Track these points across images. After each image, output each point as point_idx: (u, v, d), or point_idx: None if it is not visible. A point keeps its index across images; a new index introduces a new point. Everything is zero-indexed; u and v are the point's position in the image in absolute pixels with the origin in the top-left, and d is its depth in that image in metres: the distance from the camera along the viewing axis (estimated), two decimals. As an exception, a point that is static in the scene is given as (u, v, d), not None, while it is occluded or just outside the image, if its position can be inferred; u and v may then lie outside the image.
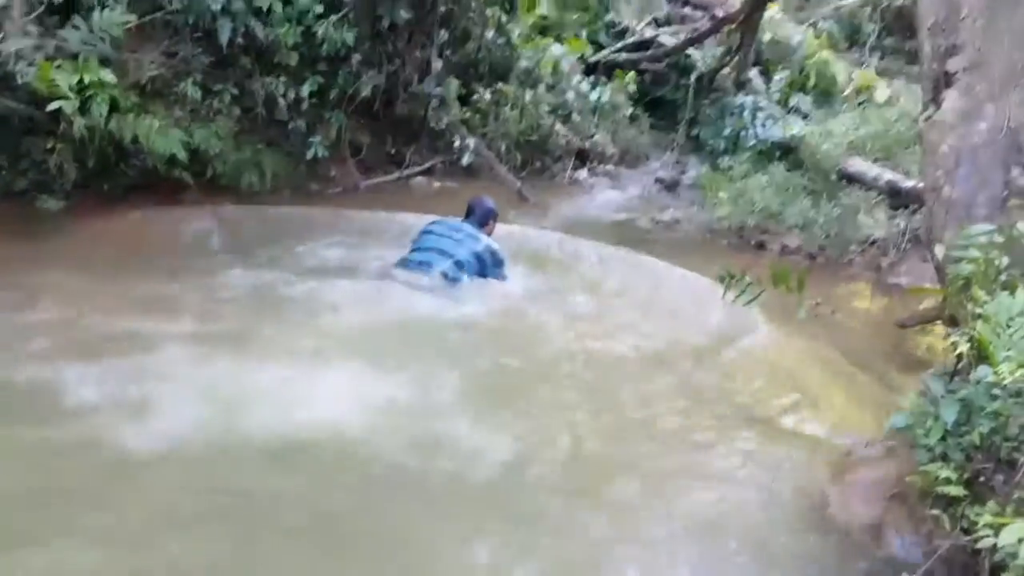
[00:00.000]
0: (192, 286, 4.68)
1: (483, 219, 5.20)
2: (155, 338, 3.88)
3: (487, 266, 4.97)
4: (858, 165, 6.90)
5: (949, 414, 2.75)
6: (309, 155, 6.75)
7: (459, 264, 4.86)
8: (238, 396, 3.46)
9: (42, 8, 5.23)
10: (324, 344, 4.07)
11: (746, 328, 4.50)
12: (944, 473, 2.67)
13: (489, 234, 5.15)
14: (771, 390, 4.00)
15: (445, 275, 4.81)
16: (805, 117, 8.30)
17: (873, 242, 6.25)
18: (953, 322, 3.41)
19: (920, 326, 4.72)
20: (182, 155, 5.77)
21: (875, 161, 7.01)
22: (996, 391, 2.71)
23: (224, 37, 6.04)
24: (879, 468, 3.26)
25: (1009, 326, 2.85)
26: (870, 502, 3.13)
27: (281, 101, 6.52)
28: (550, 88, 8.49)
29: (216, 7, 5.85)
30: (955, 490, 2.62)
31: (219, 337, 4.05)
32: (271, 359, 3.83)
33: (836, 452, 3.38)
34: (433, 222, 5.22)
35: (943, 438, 2.77)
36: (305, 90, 6.54)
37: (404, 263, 4.97)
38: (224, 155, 6.28)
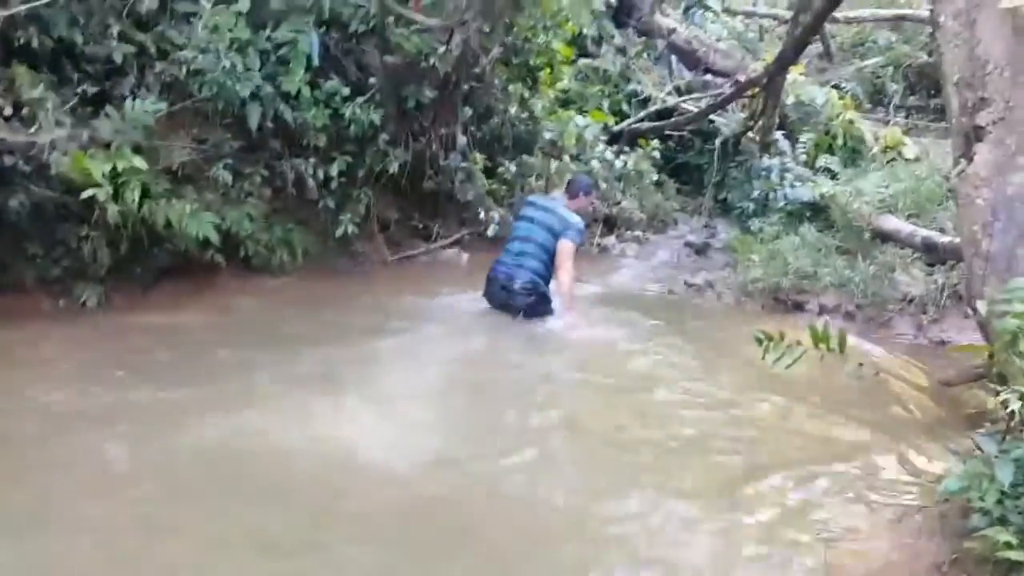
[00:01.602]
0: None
1: (574, 192, 5.94)
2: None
3: (564, 231, 5.59)
4: (891, 222, 6.81)
5: (1005, 475, 2.62)
6: (338, 233, 6.82)
7: (534, 269, 5.57)
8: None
9: (76, 99, 5.39)
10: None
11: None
12: (1004, 537, 2.53)
13: (578, 208, 5.85)
14: (818, 449, 3.90)
15: (526, 289, 5.54)
16: (833, 177, 8.24)
17: (911, 300, 6.11)
18: (1002, 379, 3.29)
19: (966, 384, 4.57)
20: (214, 237, 5.84)
21: (908, 218, 6.91)
22: (1054, 450, 2.58)
23: (254, 122, 6.17)
24: (933, 534, 3.12)
25: (1062, 382, 2.73)
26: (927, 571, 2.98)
27: (310, 181, 6.62)
28: (574, 158, 8.55)
29: (245, 93, 5.98)
30: (1016, 555, 2.48)
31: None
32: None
33: (889, 515, 3.23)
34: (528, 203, 6.01)
35: (1000, 500, 2.64)
36: (334, 169, 6.64)
37: (496, 269, 5.71)
38: (255, 235, 6.36)
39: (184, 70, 5.86)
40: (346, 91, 6.54)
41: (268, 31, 6.19)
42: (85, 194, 5.16)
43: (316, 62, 6.20)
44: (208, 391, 4.35)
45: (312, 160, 6.59)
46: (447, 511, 3.29)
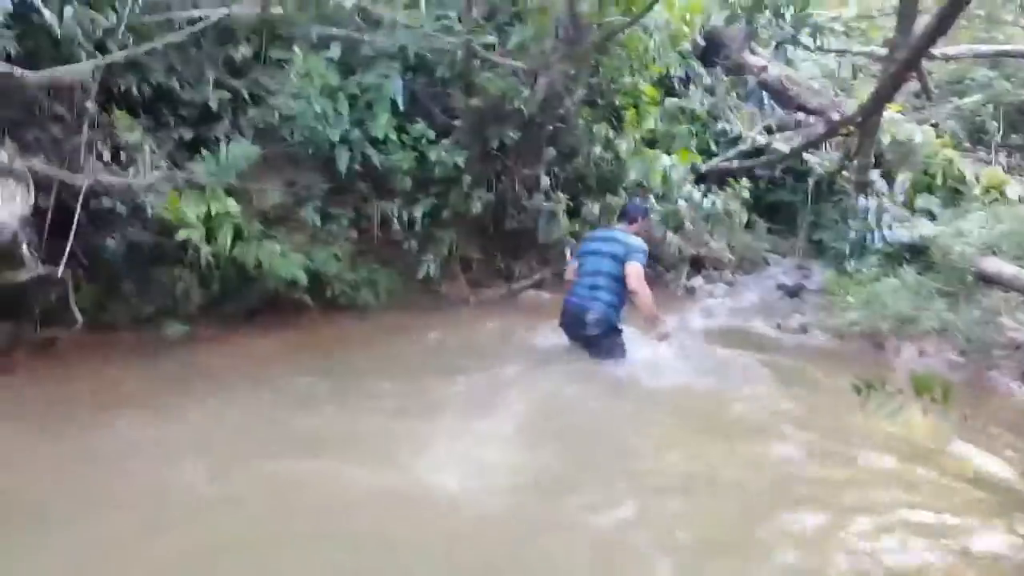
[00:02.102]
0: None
1: (631, 217, 5.95)
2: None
3: (627, 255, 5.57)
4: (995, 265, 6.45)
5: None
6: (421, 273, 6.86)
7: (608, 302, 5.56)
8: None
9: (172, 144, 5.59)
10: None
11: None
12: None
13: (637, 232, 5.82)
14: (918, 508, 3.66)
15: (599, 321, 5.53)
16: (933, 218, 7.90)
17: (1018, 346, 5.75)
18: None
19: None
20: (302, 278, 5.94)
21: (1013, 260, 6.53)
22: None
23: (342, 165, 6.30)
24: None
25: None
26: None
27: (395, 223, 6.69)
28: (660, 198, 8.43)
29: (335, 138, 6.11)
30: None
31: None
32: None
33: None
34: (589, 238, 6.07)
35: None
36: (419, 211, 6.72)
37: (570, 301, 5.71)
38: (341, 275, 6.45)
39: (276, 115, 6.04)
40: (432, 134, 6.63)
41: (357, 77, 6.32)
42: (179, 235, 5.32)
43: (401, 107, 6.31)
44: (295, 427, 4.40)
45: (398, 202, 6.69)
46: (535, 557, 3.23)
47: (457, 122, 6.81)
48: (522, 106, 6.72)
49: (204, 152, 5.66)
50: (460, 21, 6.34)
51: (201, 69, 5.91)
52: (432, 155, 6.59)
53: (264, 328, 6.14)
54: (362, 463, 3.97)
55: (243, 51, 6.11)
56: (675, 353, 5.95)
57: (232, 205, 5.58)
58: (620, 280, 5.57)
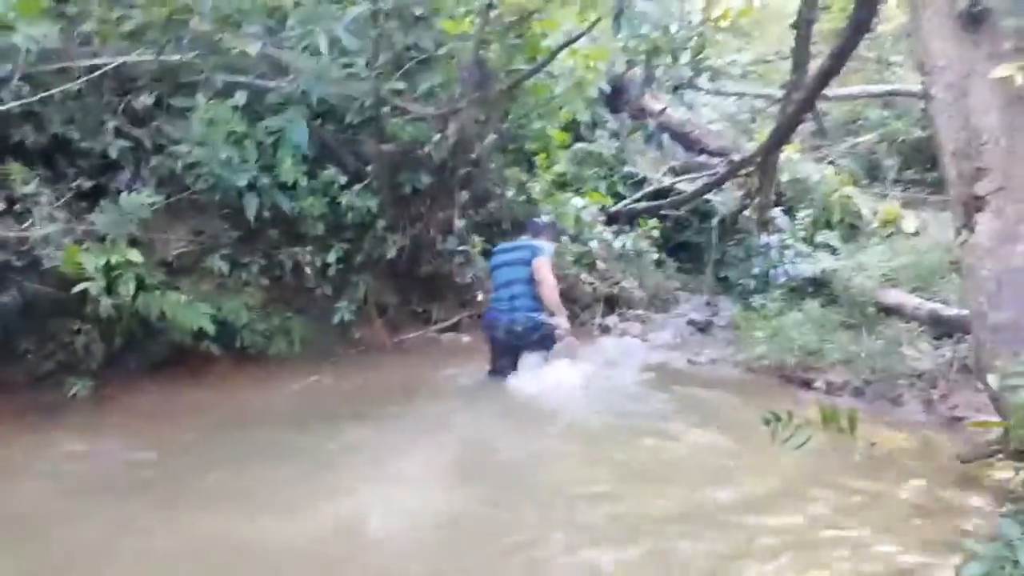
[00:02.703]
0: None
1: (534, 232, 6.41)
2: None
3: (534, 254, 6.04)
4: (896, 296, 6.74)
5: (1031, 560, 2.48)
6: (336, 319, 6.77)
7: (528, 307, 5.97)
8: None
9: (71, 194, 5.41)
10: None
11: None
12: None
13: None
14: (832, 532, 3.74)
15: (528, 328, 5.94)
16: (833, 252, 8.22)
17: (920, 374, 5.98)
18: (1020, 455, 3.17)
19: (983, 461, 4.41)
20: (209, 328, 5.79)
21: (912, 291, 6.84)
22: (1082, 532, 2.44)
23: (251, 212, 6.20)
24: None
25: (1085, 459, 2.61)
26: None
27: (308, 269, 6.60)
28: (573, 239, 8.56)
29: (242, 184, 6.01)
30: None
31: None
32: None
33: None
34: (498, 250, 6.43)
35: (1028, 588, 2.49)
36: (331, 257, 6.64)
37: (495, 317, 6.08)
38: (252, 325, 6.31)
39: (180, 163, 5.91)
40: (343, 179, 6.59)
41: (265, 123, 6.26)
42: (77, 288, 5.12)
43: (305, 150, 6.25)
44: (204, 485, 4.27)
45: (310, 248, 6.60)
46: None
47: (369, 167, 6.78)
48: (433, 151, 6.76)
49: (104, 202, 5.49)
50: (368, 67, 6.35)
51: (100, 118, 5.76)
52: (344, 200, 6.55)
53: (172, 381, 5.95)
54: (280, 513, 3.90)
55: (144, 99, 5.98)
56: (592, 390, 6.07)
57: (134, 256, 5.41)
58: (533, 281, 6.01)
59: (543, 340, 6.03)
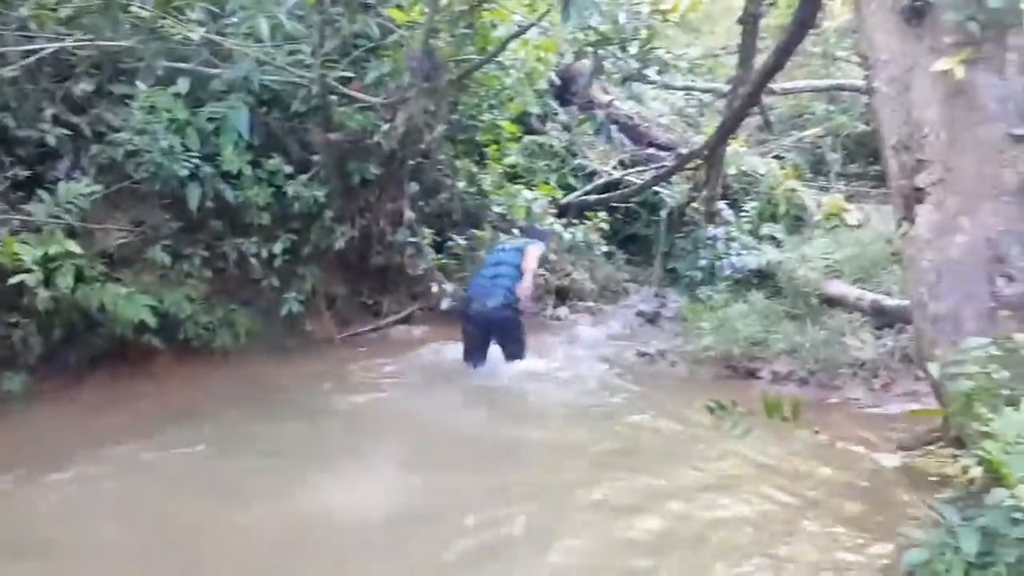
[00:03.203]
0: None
1: (539, 238, 7.04)
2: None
3: (526, 245, 6.64)
4: (838, 287, 6.86)
5: (970, 545, 2.53)
6: (283, 311, 6.66)
7: (507, 287, 6.32)
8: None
9: (7, 184, 5.23)
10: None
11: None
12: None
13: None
14: (778, 519, 3.82)
15: (501, 306, 6.26)
16: (778, 245, 8.34)
17: (863, 364, 6.11)
18: (959, 443, 3.24)
19: (924, 448, 4.52)
20: (151, 320, 5.66)
21: (854, 283, 6.97)
22: (1017, 515, 2.51)
23: (193, 202, 6.06)
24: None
25: (1019, 443, 2.68)
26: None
27: (253, 260, 6.48)
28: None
29: (184, 173, 5.87)
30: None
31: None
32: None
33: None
34: (497, 246, 7.06)
35: (967, 572, 2.55)
36: (277, 248, 6.52)
37: (474, 289, 6.52)
38: (195, 317, 6.17)
39: (121, 152, 5.76)
40: (288, 169, 6.48)
41: (207, 110, 6.12)
42: (14, 280, 4.96)
43: (247, 137, 6.10)
44: (169, 474, 4.30)
45: (255, 239, 6.48)
46: None
47: (316, 157, 6.67)
48: (382, 141, 6.68)
49: (42, 192, 5.31)
50: (313, 55, 6.24)
51: (38, 105, 5.58)
52: (290, 190, 6.44)
53: (112, 375, 5.82)
54: (236, 505, 3.91)
55: (83, 86, 5.81)
56: (545, 382, 6.21)
57: (73, 246, 5.25)
58: (519, 273, 6.39)
59: (515, 337, 6.36)
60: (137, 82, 5.89)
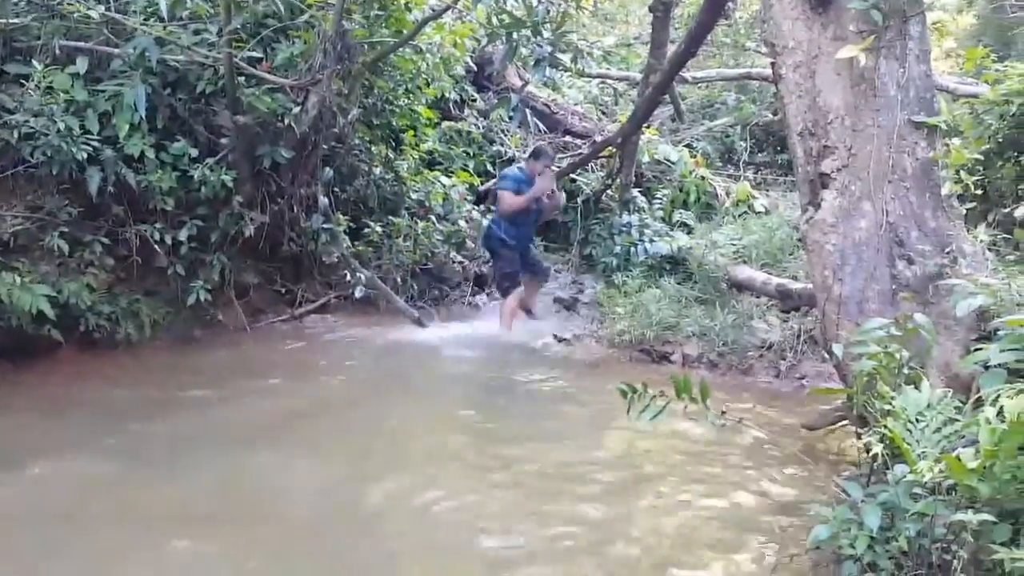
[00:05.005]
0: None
1: (530, 155, 7.58)
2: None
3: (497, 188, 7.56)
4: (746, 272, 7.05)
5: (872, 520, 2.63)
6: (191, 300, 6.44)
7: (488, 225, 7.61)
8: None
9: None
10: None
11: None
12: (876, 583, 2.53)
13: (531, 170, 7.38)
14: (685, 498, 3.93)
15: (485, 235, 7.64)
16: (689, 231, 8.51)
17: (770, 346, 6.30)
18: (862, 421, 3.36)
19: (829, 427, 4.68)
20: (49, 311, 5.40)
21: (762, 267, 7.17)
22: (917, 491, 2.61)
23: (93, 187, 5.81)
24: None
25: (920, 421, 2.79)
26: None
27: (158, 247, 6.25)
28: (442, 218, 8.51)
29: (82, 157, 5.61)
30: (890, 600, 2.48)
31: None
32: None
33: (763, 564, 3.21)
34: None
35: (870, 546, 2.64)
36: (183, 234, 6.30)
37: None
38: (97, 308, 5.93)
39: (15, 134, 5.47)
40: (195, 152, 6.26)
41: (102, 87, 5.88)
42: None
43: (142, 114, 5.85)
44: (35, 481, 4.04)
45: (159, 225, 6.24)
46: None
47: (224, 140, 6.46)
48: (293, 124, 6.52)
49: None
50: (219, 34, 6.04)
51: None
52: (196, 174, 6.22)
53: (10, 369, 5.54)
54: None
55: (-26, 67, 5.49)
56: (457, 366, 6.34)
57: (-37, 233, 4.97)
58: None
59: (493, 256, 7.65)
60: (33, 61, 5.60)
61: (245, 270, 7.07)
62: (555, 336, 7.02)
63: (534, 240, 7.89)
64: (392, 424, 5.10)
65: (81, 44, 5.89)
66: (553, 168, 7.61)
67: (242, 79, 6.36)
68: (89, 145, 5.66)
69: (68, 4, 5.63)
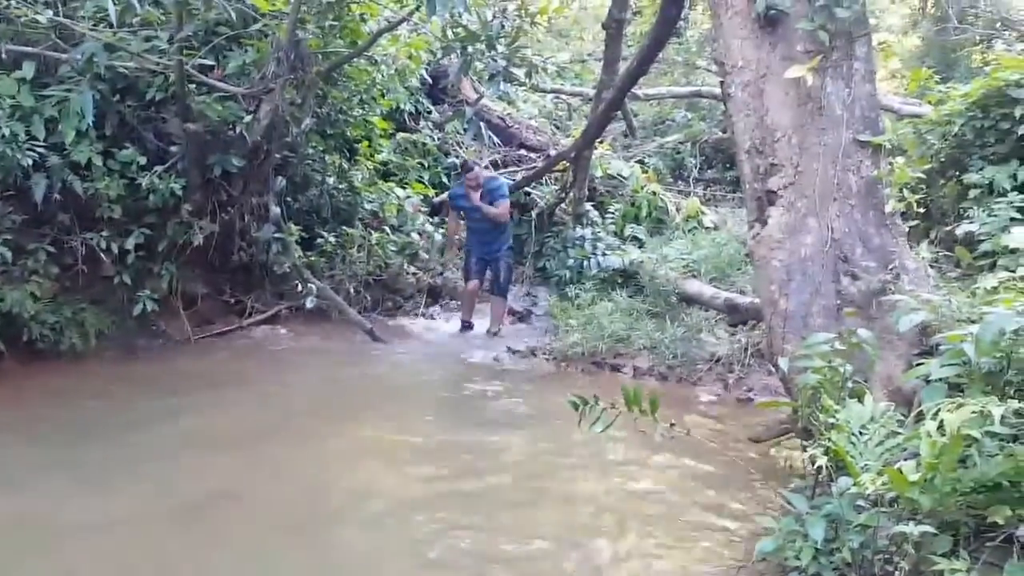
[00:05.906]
0: None
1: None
2: None
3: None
4: (695, 286, 7.16)
5: (817, 532, 2.68)
6: (137, 310, 6.33)
7: None
8: None
9: None
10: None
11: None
12: (820, 594, 2.58)
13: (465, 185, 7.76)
14: (632, 509, 3.95)
15: None
16: (641, 245, 8.61)
17: (718, 359, 6.39)
18: (807, 434, 3.42)
19: (775, 439, 4.76)
20: (-10, 320, 5.27)
21: (711, 282, 7.29)
22: (860, 503, 2.67)
23: (39, 194, 5.70)
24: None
25: (863, 434, 2.86)
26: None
27: (104, 256, 6.13)
28: (395, 229, 8.48)
29: (28, 163, 5.49)
30: (834, 610, 2.53)
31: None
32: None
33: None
34: None
35: (815, 557, 2.70)
36: (130, 243, 6.20)
37: None
38: (40, 317, 5.80)
39: (-42, 140, 5.33)
40: (143, 160, 6.17)
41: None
42: None
43: (90, 120, 5.74)
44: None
45: (105, 233, 6.13)
46: None
47: (173, 148, 6.37)
48: (245, 132, 6.46)
49: None
50: (171, 42, 5.96)
51: None
52: (144, 182, 6.12)
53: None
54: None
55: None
56: (409, 377, 6.31)
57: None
58: None
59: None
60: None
61: (193, 280, 6.98)
62: (508, 348, 7.04)
63: (500, 249, 7.82)
64: (339, 444, 5.02)
65: (28, 49, 5.77)
66: (479, 181, 7.78)
67: (193, 86, 6.29)
68: (35, 151, 5.55)
69: (15, 8, 5.52)
